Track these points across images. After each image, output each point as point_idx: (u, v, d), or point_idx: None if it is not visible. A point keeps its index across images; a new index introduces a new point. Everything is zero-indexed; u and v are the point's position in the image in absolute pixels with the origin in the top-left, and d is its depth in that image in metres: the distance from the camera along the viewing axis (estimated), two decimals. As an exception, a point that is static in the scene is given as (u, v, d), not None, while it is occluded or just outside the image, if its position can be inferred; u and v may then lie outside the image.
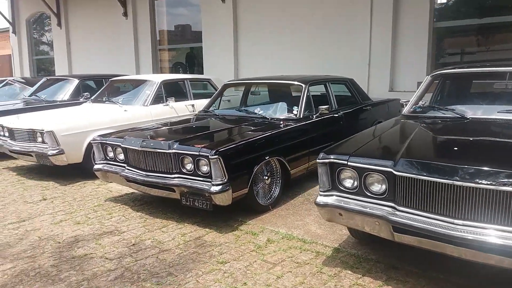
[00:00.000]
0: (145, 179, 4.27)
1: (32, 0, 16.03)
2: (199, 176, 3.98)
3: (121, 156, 4.65)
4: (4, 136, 6.50)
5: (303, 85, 5.34)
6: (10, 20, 17.34)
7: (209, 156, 3.79)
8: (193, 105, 7.44)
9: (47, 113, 6.68)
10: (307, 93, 5.27)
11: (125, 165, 4.59)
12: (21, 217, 4.50)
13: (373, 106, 6.66)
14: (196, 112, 7.19)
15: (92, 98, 7.63)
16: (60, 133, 5.66)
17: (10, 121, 6.20)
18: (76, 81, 8.57)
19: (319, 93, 6.10)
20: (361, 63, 8.52)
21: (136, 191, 4.97)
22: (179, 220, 4.30)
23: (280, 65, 9.60)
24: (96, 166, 4.85)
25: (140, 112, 6.69)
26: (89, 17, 14.30)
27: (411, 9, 8.01)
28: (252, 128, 4.71)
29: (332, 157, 3.01)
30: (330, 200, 3.02)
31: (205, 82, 8.27)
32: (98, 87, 9.11)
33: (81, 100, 8.28)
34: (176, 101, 7.11)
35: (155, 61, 12.79)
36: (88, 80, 9.00)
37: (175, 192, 4.12)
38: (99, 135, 4.90)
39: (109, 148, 4.76)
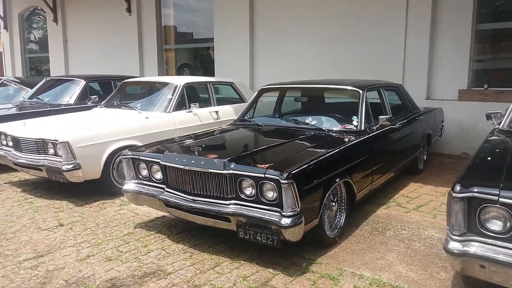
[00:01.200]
0: (192, 205, 3.52)
1: (25, -6, 15.07)
2: (263, 203, 3.25)
3: (158, 175, 3.89)
4: (7, 146, 5.67)
5: (360, 91, 4.64)
6: (1, 15, 16.33)
7: (280, 180, 3.06)
8: (217, 112, 6.69)
9: (56, 119, 5.88)
10: (365, 101, 4.57)
11: (164, 186, 3.83)
12: (38, 251, 3.71)
13: (423, 116, 5.99)
14: (222, 120, 6.51)
15: (103, 102, 6.82)
16: (77, 144, 4.86)
17: (15, 129, 5.37)
18: (82, 83, 7.75)
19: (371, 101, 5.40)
20: (395, 68, 7.84)
21: (170, 215, 4.22)
22: (232, 255, 3.56)
23: (301, 68, 8.90)
24: (126, 187, 4.08)
25: (163, 119, 5.93)
26: (89, 12, 13.42)
27: (451, 9, 7.36)
28: (314, 144, 3.97)
29: (475, 190, 2.30)
30: (471, 248, 2.31)
31: (227, 86, 7.51)
32: (106, 89, 8.33)
33: (89, 103, 7.49)
34: (199, 107, 6.36)
35: (160, 61, 11.98)
36: (95, 81, 8.16)
37: (230, 222, 3.38)
38: (130, 149, 4.13)
39: (143, 165, 3.99)
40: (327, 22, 8.62)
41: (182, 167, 3.54)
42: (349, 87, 4.72)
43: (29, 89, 8.78)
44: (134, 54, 12.16)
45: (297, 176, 3.14)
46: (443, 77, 7.58)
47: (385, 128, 4.64)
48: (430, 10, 7.42)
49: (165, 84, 6.59)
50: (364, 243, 3.78)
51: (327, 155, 3.63)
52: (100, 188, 5.26)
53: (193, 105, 6.25)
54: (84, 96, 7.70)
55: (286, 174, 3.07)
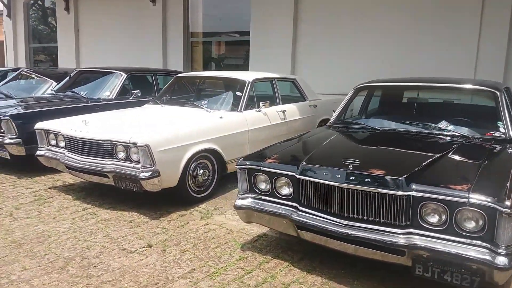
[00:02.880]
0: (346, 231, 2.80)
1: (33, -20, 14.06)
2: (458, 234, 2.55)
3: (286, 191, 3.17)
4: (56, 146, 4.87)
5: (497, 92, 3.97)
6: (5, 2, 15.28)
7: (500, 209, 2.37)
8: (284, 112, 5.98)
9: (117, 117, 5.11)
10: (506, 103, 3.90)
11: (296, 204, 3.11)
12: (144, 284, 2.95)
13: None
14: (288, 120, 5.80)
15: (156, 98, 6.04)
16: (157, 147, 4.10)
17: (74, 128, 4.58)
18: (123, 76, 6.94)
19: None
20: (466, 68, 7.21)
21: (272, 229, 3.55)
22: (390, 292, 2.87)
23: (355, 67, 8.23)
24: (240, 202, 3.34)
25: (237, 119, 5.20)
26: (105, 1, 12.53)
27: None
28: (487, 157, 3.22)
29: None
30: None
31: (288, 82, 6.80)
32: (144, 83, 7.53)
33: (131, 98, 6.71)
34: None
35: (186, 55, 11.17)
36: (136, 74, 7.34)
37: (403, 255, 2.67)
38: (244, 159, 3.39)
39: (263, 177, 3.27)
40: (386, 20, 7.96)
41: (335, 184, 2.82)
42: (483, 87, 4.05)
43: (52, 81, 7.95)
44: (156, 47, 11.34)
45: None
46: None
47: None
48: (510, 7, 6.83)
49: (232, 80, 5.86)
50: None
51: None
52: (170, 196, 4.52)
53: (263, 104, 5.52)
54: (124, 90, 6.90)
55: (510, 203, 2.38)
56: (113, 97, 6.65)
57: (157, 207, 4.47)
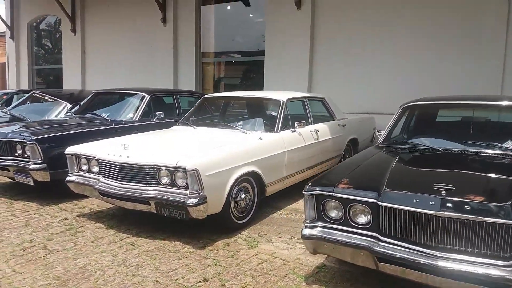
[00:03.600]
0: (445, 265, 2.55)
1: (38, 1, 13.93)
2: None
3: (363, 219, 2.92)
4: (88, 171, 4.60)
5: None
6: (8, 23, 15.11)
7: None
8: (317, 131, 5.77)
9: (153, 140, 4.86)
10: None
11: (376, 234, 2.86)
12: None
13: None
14: (320, 140, 5.59)
15: (184, 120, 5.81)
16: (205, 172, 3.86)
17: (112, 152, 4.32)
18: (146, 97, 6.71)
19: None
20: (491, 83, 7.10)
21: (337, 260, 3.29)
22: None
23: (375, 86, 8.11)
24: (309, 232, 3.08)
25: (275, 140, 4.98)
26: (113, 22, 12.45)
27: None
28: None
29: None
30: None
31: (317, 101, 6.61)
32: (166, 105, 7.32)
33: (154, 120, 6.48)
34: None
35: (198, 76, 11.01)
36: (158, 95, 7.12)
37: (506, 290, 2.43)
38: (312, 184, 3.14)
39: (334, 204, 3.03)
40: (404, 38, 7.88)
41: (429, 212, 2.58)
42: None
43: (65, 103, 7.73)
44: (167, 68, 11.21)
45: None
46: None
47: None
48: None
49: (265, 100, 5.65)
50: None
51: None
52: (209, 223, 4.27)
53: (298, 124, 5.31)
54: (147, 112, 6.66)
55: None
56: (136, 119, 6.40)
57: (198, 235, 4.19)
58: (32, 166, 5.09)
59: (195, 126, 5.44)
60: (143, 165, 4.04)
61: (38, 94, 8.53)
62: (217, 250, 3.89)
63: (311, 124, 5.86)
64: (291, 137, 5.23)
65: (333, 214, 3.03)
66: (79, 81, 13.35)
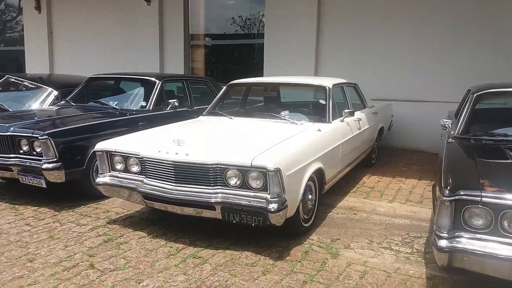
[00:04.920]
0: None
1: (-6, -25, 12.43)
2: None
3: (516, 226, 2.49)
4: (125, 171, 3.88)
5: None
6: (-42, 0, 13.43)
7: None
8: (359, 121, 5.32)
9: (200, 134, 4.19)
10: None
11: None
12: None
13: None
14: (362, 129, 5.18)
15: (211, 109, 5.17)
16: (286, 171, 3.30)
17: (162, 149, 3.63)
18: (157, 83, 5.95)
19: None
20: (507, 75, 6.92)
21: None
22: None
23: (387, 71, 7.77)
24: (445, 244, 2.60)
25: (332, 132, 4.47)
26: (87, 0, 11.26)
27: None
28: None
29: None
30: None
31: (350, 87, 6.13)
32: (176, 91, 6.60)
33: (168, 109, 5.77)
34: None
35: (187, 60, 10.20)
36: (169, 81, 6.37)
37: None
38: (452, 188, 2.66)
39: (478, 211, 2.57)
40: (421, 26, 7.56)
41: None
42: None
43: (50, 89, 6.80)
44: (152, 51, 10.28)
45: None
46: None
47: None
48: None
49: (307, 86, 5.11)
50: None
51: None
52: (266, 228, 3.70)
53: (345, 113, 4.84)
54: (159, 100, 5.92)
55: None
56: (150, 108, 5.65)
57: (264, 242, 3.65)
58: (45, 166, 4.27)
59: (232, 117, 4.80)
60: (206, 164, 3.40)
61: (15, 79, 7.46)
62: (298, 260, 3.35)
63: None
64: (342, 128, 4.77)
65: (479, 222, 2.57)
66: (45, 64, 12.06)
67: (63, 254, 3.40)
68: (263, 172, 3.24)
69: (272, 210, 3.19)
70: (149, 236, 3.80)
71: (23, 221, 4.13)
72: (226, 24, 10.22)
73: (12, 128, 4.45)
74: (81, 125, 4.66)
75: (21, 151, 4.47)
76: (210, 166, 3.39)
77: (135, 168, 3.82)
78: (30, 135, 4.33)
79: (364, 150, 5.67)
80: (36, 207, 4.55)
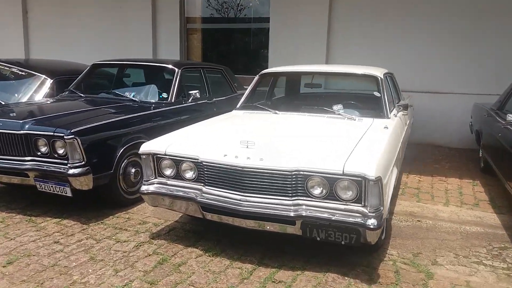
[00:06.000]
0: None
1: None
2: None
3: None
4: (177, 178, 3.32)
5: None
6: None
7: None
8: (406, 115, 4.94)
9: (263, 134, 3.63)
10: None
11: None
12: None
13: None
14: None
15: (241, 103, 4.65)
16: (384, 180, 2.85)
17: (228, 152, 3.09)
18: (177, 71, 5.33)
19: None
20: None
21: None
22: None
23: (402, 61, 7.42)
24: None
25: (394, 129, 4.03)
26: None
27: None
28: None
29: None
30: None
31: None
32: (193, 81, 5.99)
33: (189, 101, 5.20)
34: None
35: (183, 46, 9.50)
36: (187, 69, 5.73)
37: None
38: None
39: None
40: (438, 13, 7.24)
41: None
42: None
43: (43, 76, 6.02)
44: (144, 35, 9.52)
45: None
46: None
47: None
48: None
49: (356, 76, 4.64)
50: None
51: None
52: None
53: (400, 106, 4.46)
54: (179, 91, 5.31)
55: None
56: (172, 101, 5.05)
57: (342, 260, 3.21)
58: (72, 171, 3.63)
59: (277, 112, 4.27)
60: (286, 171, 2.89)
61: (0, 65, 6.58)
62: (396, 283, 2.93)
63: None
64: (398, 124, 4.35)
65: None
66: (20, 49, 11.00)
67: (117, 283, 2.83)
68: (358, 181, 2.77)
69: (371, 226, 2.74)
70: (207, 254, 3.28)
71: (50, 238, 3.50)
72: (225, 6, 9.54)
73: (27, 126, 3.76)
74: (108, 121, 4.02)
75: (39, 153, 3.79)
76: (290, 173, 2.89)
77: (189, 174, 3.26)
78: (52, 133, 3.67)
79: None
80: (57, 219, 3.91)
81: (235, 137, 3.27)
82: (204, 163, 3.14)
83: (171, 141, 3.39)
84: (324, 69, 4.83)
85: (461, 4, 7.07)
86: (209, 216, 3.21)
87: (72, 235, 3.58)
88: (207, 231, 3.69)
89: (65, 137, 3.58)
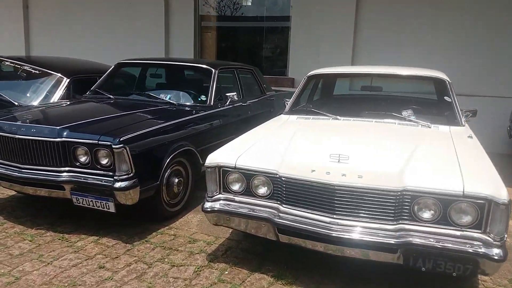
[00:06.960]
0: None
1: None
2: None
3: None
4: (246, 194, 2.86)
5: None
6: None
7: None
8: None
9: (332, 144, 3.18)
10: None
11: None
12: None
13: None
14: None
15: (294, 107, 4.22)
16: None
17: (312, 166, 2.64)
18: (214, 72, 4.88)
19: None
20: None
21: None
22: None
23: (433, 67, 7.05)
24: None
25: (475, 139, 3.62)
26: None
27: None
28: None
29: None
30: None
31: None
32: (226, 82, 5.52)
33: (227, 104, 4.76)
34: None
35: (197, 45, 9.02)
36: (223, 69, 5.25)
37: None
38: None
39: None
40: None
41: None
42: None
43: (58, 74, 5.52)
44: (155, 34, 9.01)
45: None
46: None
47: None
48: None
49: (421, 79, 4.26)
50: None
51: None
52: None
53: (468, 112, 4.07)
54: (217, 93, 4.84)
55: None
56: (211, 104, 4.58)
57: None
58: (119, 184, 3.14)
59: (339, 117, 3.83)
60: (391, 191, 2.46)
61: (11, 63, 6.05)
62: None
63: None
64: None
65: None
66: (20, 45, 10.41)
67: (191, 322, 2.36)
68: (480, 204, 2.35)
69: (496, 257, 2.32)
70: (279, 282, 2.83)
71: (93, 262, 3.00)
72: (241, 4, 9.07)
73: (66, 132, 3.25)
74: (155, 127, 3.53)
75: (77, 163, 3.29)
76: (395, 193, 2.45)
77: (262, 190, 2.81)
78: (96, 142, 3.17)
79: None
80: (94, 237, 3.41)
81: (316, 149, 2.82)
82: (283, 178, 2.69)
83: (240, 152, 2.93)
84: (383, 71, 4.40)
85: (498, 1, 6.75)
86: (285, 239, 2.76)
87: (117, 257, 3.09)
88: (267, 250, 3.24)
89: (113, 146, 3.09)
